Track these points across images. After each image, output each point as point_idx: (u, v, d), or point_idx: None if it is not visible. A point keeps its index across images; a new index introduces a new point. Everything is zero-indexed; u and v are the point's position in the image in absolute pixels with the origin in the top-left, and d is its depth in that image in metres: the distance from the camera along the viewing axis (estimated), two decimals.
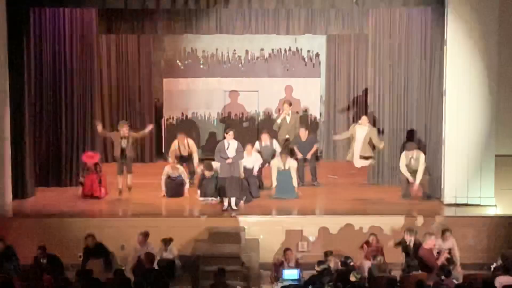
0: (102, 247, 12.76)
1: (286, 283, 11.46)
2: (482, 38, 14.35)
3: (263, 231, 13.66)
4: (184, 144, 15.92)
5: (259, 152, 15.59)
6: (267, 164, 15.53)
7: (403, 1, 15.19)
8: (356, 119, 18.79)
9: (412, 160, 14.92)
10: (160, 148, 19.05)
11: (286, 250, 12.73)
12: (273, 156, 15.57)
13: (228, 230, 13.53)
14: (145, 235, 12.90)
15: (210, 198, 14.89)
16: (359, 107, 18.80)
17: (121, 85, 18.94)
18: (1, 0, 14.38)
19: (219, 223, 13.84)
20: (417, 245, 12.44)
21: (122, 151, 15.11)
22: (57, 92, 16.29)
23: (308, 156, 16.10)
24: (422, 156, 14.98)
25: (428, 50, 15.70)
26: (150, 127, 15.66)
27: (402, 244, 12.61)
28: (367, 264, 12.30)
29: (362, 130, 15.04)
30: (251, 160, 15.14)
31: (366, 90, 17.63)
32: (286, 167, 15.09)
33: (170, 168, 15.28)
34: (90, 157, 15.32)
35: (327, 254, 12.44)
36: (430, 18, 15.53)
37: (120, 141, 15.12)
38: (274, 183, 15.11)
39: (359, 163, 15.43)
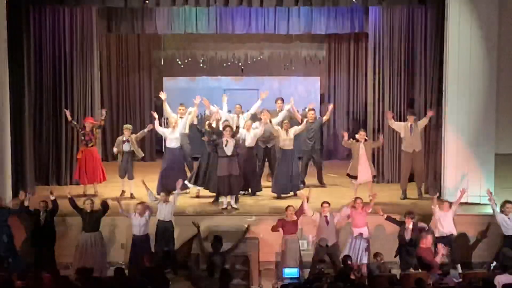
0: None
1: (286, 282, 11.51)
2: (482, 37, 14.37)
3: (263, 230, 13.67)
4: (184, 118, 15.81)
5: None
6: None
7: (403, 0, 15.22)
8: (355, 120, 18.86)
9: (411, 133, 14.97)
10: (161, 147, 19.04)
11: (288, 206, 12.97)
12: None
13: (228, 229, 13.53)
14: (144, 204, 13.15)
15: (197, 187, 15.10)
16: (359, 107, 18.81)
17: (121, 85, 18.96)
18: (1, 0, 14.40)
19: (219, 222, 13.86)
20: (414, 240, 12.54)
21: (124, 154, 15.16)
22: (57, 91, 16.32)
23: (325, 117, 16.05)
24: (420, 124, 15.09)
25: (428, 49, 15.70)
26: (150, 127, 15.54)
27: (400, 232, 12.73)
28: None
29: (362, 148, 14.94)
30: (250, 136, 15.11)
31: (366, 90, 17.64)
32: (291, 134, 15.09)
33: (173, 123, 15.24)
34: (90, 121, 15.41)
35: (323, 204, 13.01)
36: (430, 18, 15.55)
37: (122, 144, 15.15)
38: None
39: (361, 180, 15.26)
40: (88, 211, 12.99)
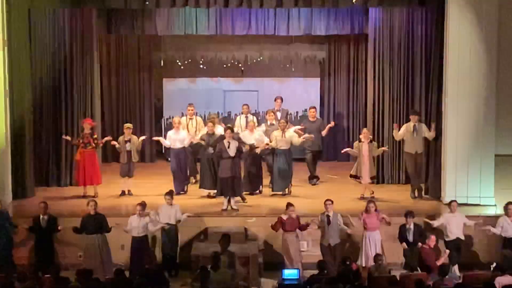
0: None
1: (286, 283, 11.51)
2: (482, 37, 14.38)
3: (263, 231, 13.67)
4: (193, 118, 15.87)
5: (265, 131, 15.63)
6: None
7: (403, 1, 15.22)
8: (355, 121, 18.85)
9: (415, 133, 14.96)
10: (160, 148, 19.02)
11: (289, 205, 12.97)
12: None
13: (228, 230, 13.51)
14: (143, 205, 13.03)
15: (210, 191, 14.99)
16: (359, 108, 18.80)
17: (121, 85, 18.95)
18: (1, 0, 14.40)
19: (219, 223, 13.85)
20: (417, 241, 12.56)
21: (125, 153, 15.18)
22: (57, 92, 16.31)
23: (324, 132, 16.10)
24: (423, 126, 15.06)
25: (428, 50, 15.72)
26: (144, 137, 15.63)
27: (401, 229, 12.74)
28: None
29: (365, 147, 14.96)
30: (254, 137, 15.13)
31: (366, 91, 17.63)
32: (287, 136, 15.09)
33: (176, 123, 15.26)
34: (88, 122, 15.37)
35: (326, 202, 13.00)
36: (430, 18, 15.56)
37: (124, 144, 15.17)
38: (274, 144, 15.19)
39: (365, 180, 15.26)
40: (92, 213, 12.95)
